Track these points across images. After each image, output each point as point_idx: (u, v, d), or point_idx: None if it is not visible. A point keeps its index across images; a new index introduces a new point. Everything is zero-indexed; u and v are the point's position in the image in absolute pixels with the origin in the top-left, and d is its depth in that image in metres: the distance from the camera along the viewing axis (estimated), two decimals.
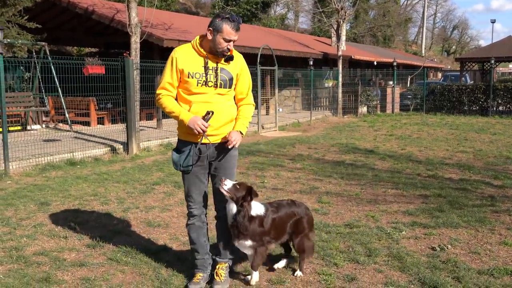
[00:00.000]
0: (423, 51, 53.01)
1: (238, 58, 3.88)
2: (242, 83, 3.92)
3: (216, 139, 3.80)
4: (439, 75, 44.72)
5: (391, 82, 22.38)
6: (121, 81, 10.68)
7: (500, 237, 5.06)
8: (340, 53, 20.46)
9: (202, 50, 3.73)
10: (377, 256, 4.52)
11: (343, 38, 20.93)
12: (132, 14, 11.08)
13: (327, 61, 24.71)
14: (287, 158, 9.93)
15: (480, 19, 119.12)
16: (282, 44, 22.10)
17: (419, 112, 21.17)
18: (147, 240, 5.06)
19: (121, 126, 11.52)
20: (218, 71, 3.74)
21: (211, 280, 3.97)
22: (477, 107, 20.08)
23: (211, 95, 3.75)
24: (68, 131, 12.99)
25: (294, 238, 4.07)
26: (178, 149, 3.86)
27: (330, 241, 4.91)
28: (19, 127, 12.95)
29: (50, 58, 12.21)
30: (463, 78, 26.38)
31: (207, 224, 4.06)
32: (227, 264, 4.02)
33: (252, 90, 4.03)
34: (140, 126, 11.35)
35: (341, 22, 20.70)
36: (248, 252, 3.90)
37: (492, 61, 20.75)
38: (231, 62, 3.80)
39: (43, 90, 13.17)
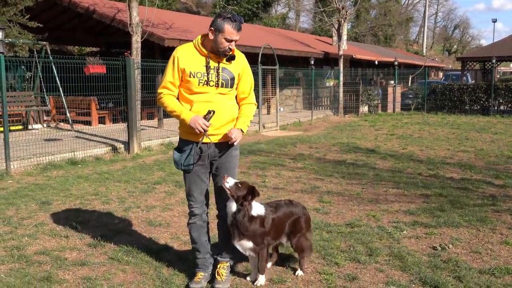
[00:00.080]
0: (424, 51, 52.98)
1: (240, 58, 3.88)
2: (244, 82, 3.91)
3: (217, 139, 3.80)
4: (440, 74, 44.70)
5: (392, 82, 22.37)
6: (122, 81, 10.69)
7: (501, 236, 5.06)
8: (341, 52, 20.44)
9: (203, 49, 3.73)
10: (378, 256, 4.52)
11: (344, 37, 20.95)
12: (133, 14, 11.09)
13: (328, 61, 24.69)
14: (288, 158, 9.93)
15: (481, 19, 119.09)
16: (283, 44, 22.10)
17: (420, 111, 21.16)
18: (148, 240, 5.06)
19: (122, 126, 11.53)
20: (220, 70, 3.74)
21: (212, 280, 3.97)
22: (478, 107, 20.07)
23: (212, 95, 3.75)
24: (69, 130, 13.00)
25: (292, 238, 4.07)
26: (179, 148, 3.86)
27: (331, 241, 4.91)
28: (20, 127, 12.97)
29: (51, 58, 12.22)
30: (464, 78, 26.36)
31: (208, 223, 4.06)
32: (228, 264, 4.02)
33: (254, 90, 4.03)
34: (141, 125, 11.36)
35: (342, 21, 20.69)
36: (248, 254, 3.89)
37: (494, 61, 20.74)
38: (232, 61, 3.80)
39: (44, 90, 13.17)
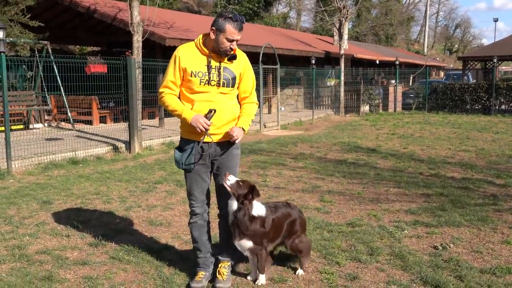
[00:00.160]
0: (425, 50, 52.94)
1: (242, 57, 3.88)
2: (246, 82, 3.91)
3: (219, 138, 3.80)
4: (441, 74, 44.65)
5: (393, 81, 22.36)
6: (123, 80, 10.69)
7: (502, 236, 5.05)
8: (342, 51, 20.44)
9: (205, 49, 3.73)
10: (379, 255, 4.52)
11: (345, 36, 20.94)
12: (134, 13, 11.09)
13: (329, 60, 24.68)
14: (289, 157, 9.93)
15: (482, 18, 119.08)
16: (284, 43, 22.09)
17: (421, 111, 21.14)
18: (149, 239, 5.06)
19: (123, 125, 11.54)
20: (221, 70, 3.74)
21: (213, 279, 3.97)
22: (480, 106, 20.05)
23: (213, 94, 3.75)
24: (70, 130, 13.01)
25: (286, 240, 4.06)
26: (180, 148, 3.86)
27: (332, 240, 4.91)
28: (21, 126, 12.97)
29: (52, 57, 12.23)
30: (465, 77, 26.35)
31: (209, 222, 4.06)
32: (229, 263, 4.02)
33: (255, 89, 4.03)
34: (142, 125, 11.36)
35: (343, 20, 20.67)
36: (248, 254, 3.89)
37: (495, 60, 20.71)
38: (234, 61, 3.80)
39: (45, 89, 13.19)
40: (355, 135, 13.80)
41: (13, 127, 11.94)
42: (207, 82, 3.72)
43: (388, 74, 24.73)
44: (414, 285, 3.93)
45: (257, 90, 12.84)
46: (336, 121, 18.33)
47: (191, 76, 3.70)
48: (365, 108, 21.35)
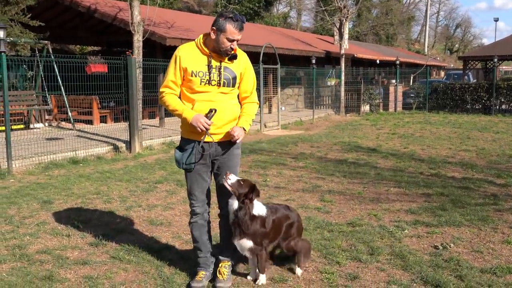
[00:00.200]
0: (426, 50, 52.91)
1: (242, 57, 3.87)
2: (246, 82, 3.91)
3: (219, 138, 3.80)
4: (442, 73, 44.63)
5: (393, 81, 22.35)
6: (124, 80, 10.69)
7: (503, 235, 5.05)
8: (342, 51, 20.44)
9: (205, 48, 3.73)
10: (380, 255, 4.52)
11: (346, 36, 20.93)
12: (134, 13, 11.09)
13: (330, 60, 24.68)
14: (290, 157, 9.93)
15: (483, 17, 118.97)
16: (284, 43, 22.09)
17: (422, 110, 21.13)
18: (149, 239, 5.06)
19: (123, 125, 11.55)
20: (222, 69, 3.74)
21: (213, 279, 3.97)
22: (480, 106, 20.04)
23: (214, 94, 3.75)
24: (70, 129, 13.02)
25: (281, 242, 4.04)
26: (181, 147, 3.87)
27: (333, 240, 4.91)
28: (22, 126, 12.98)
29: (52, 57, 12.23)
30: (465, 77, 26.33)
31: (209, 222, 4.06)
32: (229, 263, 4.02)
33: (255, 89, 4.03)
34: (143, 124, 11.37)
35: (344, 20, 20.67)
36: (247, 254, 3.88)
37: (495, 60, 20.70)
38: (234, 61, 3.80)
39: (46, 89, 13.19)
40: (355, 134, 13.79)
41: (14, 127, 11.94)
42: (207, 82, 3.72)
43: (389, 74, 24.73)
44: (415, 284, 3.93)
45: (258, 89, 12.84)
46: (337, 121, 18.33)
47: (192, 76, 3.70)
48: (366, 107, 21.35)
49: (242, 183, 3.72)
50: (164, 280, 3.99)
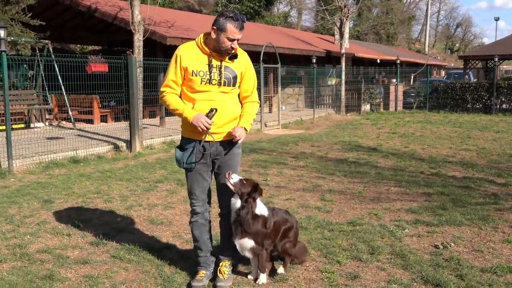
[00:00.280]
0: (426, 49, 52.85)
1: (243, 56, 3.87)
2: (247, 81, 3.91)
3: (220, 137, 3.80)
4: (443, 73, 44.60)
5: (394, 80, 22.35)
6: (124, 79, 10.69)
7: (503, 235, 5.05)
8: (343, 50, 20.43)
9: (206, 48, 3.73)
10: (380, 254, 4.52)
11: (346, 36, 20.92)
12: (135, 12, 11.09)
13: (330, 59, 24.68)
14: (290, 156, 9.93)
15: (483, 17, 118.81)
16: (285, 42, 22.08)
17: (422, 110, 21.13)
18: (150, 238, 5.06)
19: (124, 124, 11.55)
20: (222, 69, 3.74)
21: (214, 278, 3.98)
22: (481, 105, 20.03)
23: (215, 93, 3.75)
24: (71, 129, 13.02)
25: (278, 243, 4.04)
26: (181, 147, 3.87)
27: (333, 239, 4.91)
28: (22, 125, 12.98)
29: (53, 56, 12.24)
30: (466, 76, 26.32)
31: (210, 221, 4.06)
32: (230, 262, 4.03)
33: (256, 88, 4.03)
34: (143, 124, 11.37)
35: (344, 19, 20.67)
36: (248, 254, 3.88)
37: (496, 59, 20.68)
38: (235, 60, 3.80)
39: (46, 88, 13.19)
40: (356, 134, 13.79)
41: (14, 126, 11.94)
42: (208, 81, 3.72)
43: (389, 73, 24.72)
44: (415, 284, 3.93)
45: (258, 89, 12.85)
46: (337, 120, 18.33)
47: (192, 75, 3.70)
48: (366, 107, 21.35)
49: (245, 182, 3.72)
50: (164, 280, 4.00)
